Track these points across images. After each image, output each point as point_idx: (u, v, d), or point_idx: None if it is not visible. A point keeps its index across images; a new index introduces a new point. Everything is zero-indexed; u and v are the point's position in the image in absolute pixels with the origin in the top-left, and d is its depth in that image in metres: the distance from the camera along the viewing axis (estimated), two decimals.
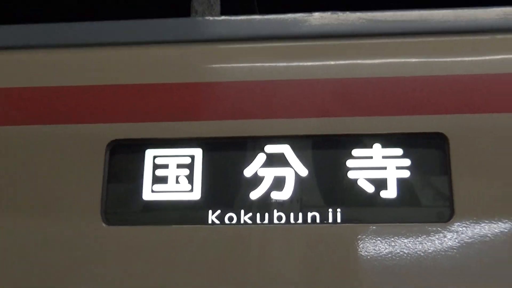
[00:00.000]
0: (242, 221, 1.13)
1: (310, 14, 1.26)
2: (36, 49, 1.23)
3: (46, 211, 1.15)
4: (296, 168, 1.16)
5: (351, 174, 1.14)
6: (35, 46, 1.23)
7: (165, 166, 1.17)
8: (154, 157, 1.17)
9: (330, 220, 1.12)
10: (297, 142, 1.17)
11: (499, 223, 1.09)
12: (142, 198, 1.16)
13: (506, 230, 1.09)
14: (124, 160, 1.21)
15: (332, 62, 1.24)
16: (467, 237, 1.08)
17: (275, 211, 1.14)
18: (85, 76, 1.20)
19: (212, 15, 1.38)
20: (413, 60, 1.22)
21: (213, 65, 1.31)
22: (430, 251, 1.08)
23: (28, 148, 1.16)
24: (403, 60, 1.23)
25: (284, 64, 1.25)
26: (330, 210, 1.13)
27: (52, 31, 1.25)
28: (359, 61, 1.22)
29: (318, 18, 1.26)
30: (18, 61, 1.25)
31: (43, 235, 1.13)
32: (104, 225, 1.12)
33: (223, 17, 1.38)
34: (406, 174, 1.14)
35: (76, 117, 1.17)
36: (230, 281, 1.12)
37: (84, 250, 1.13)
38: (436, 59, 1.22)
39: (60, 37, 1.24)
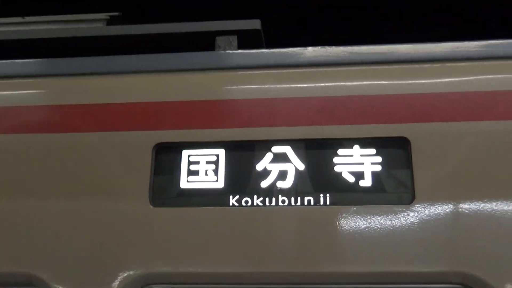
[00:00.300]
0: (255, 204, 1.48)
1: (305, 48, 1.65)
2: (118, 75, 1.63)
3: (109, 196, 1.52)
4: (296, 163, 1.51)
5: (337, 168, 1.50)
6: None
7: (197, 163, 1.53)
8: (189, 155, 1.54)
9: (321, 203, 1.46)
10: (296, 144, 1.53)
11: (449, 205, 1.43)
12: (179, 186, 1.52)
13: (454, 211, 1.43)
14: (166, 158, 1.57)
15: (321, 84, 1.61)
16: (424, 216, 1.42)
17: (279, 196, 1.48)
18: (141, 95, 1.59)
19: (231, 49, 1.77)
20: (384, 82, 1.59)
21: (232, 87, 1.69)
22: (397, 226, 1.42)
23: (99, 149, 1.54)
24: (375, 82, 1.60)
25: (285, 86, 1.62)
26: (321, 195, 1.47)
27: (113, 62, 1.65)
28: (342, 83, 1.60)
29: (311, 51, 1.65)
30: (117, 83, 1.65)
31: (107, 215, 1.50)
32: (151, 207, 1.49)
33: (239, 51, 1.77)
34: (378, 168, 1.49)
35: (133, 125, 1.55)
36: (244, 250, 1.46)
37: (136, 225, 1.49)
38: (400, 82, 1.59)
39: (129, 66, 1.63)
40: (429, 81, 1.57)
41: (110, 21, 1.82)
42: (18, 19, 1.82)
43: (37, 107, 1.64)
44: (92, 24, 1.81)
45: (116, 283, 1.42)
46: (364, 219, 1.43)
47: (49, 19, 1.81)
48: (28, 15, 1.82)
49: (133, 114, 1.57)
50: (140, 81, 1.64)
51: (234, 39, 1.77)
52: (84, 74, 1.63)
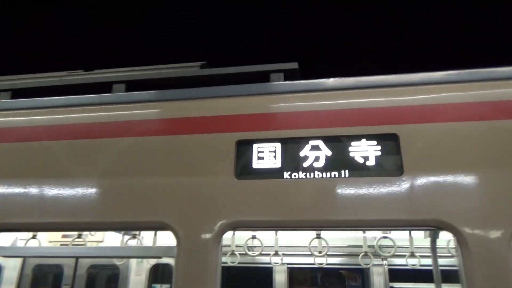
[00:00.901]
0: (300, 177, 2.34)
1: (328, 79, 2.56)
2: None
3: (208, 174, 2.40)
4: (325, 151, 2.38)
5: (351, 154, 2.36)
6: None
7: (263, 152, 2.43)
8: (258, 147, 2.44)
9: (342, 175, 2.32)
10: (325, 138, 2.40)
11: (427, 176, 2.24)
12: (252, 166, 2.41)
13: (431, 179, 2.23)
14: (243, 149, 2.46)
15: (339, 101, 2.50)
16: (412, 185, 2.23)
17: (316, 171, 2.34)
18: (228, 111, 2.52)
19: (280, 81, 2.71)
20: (381, 99, 2.47)
21: (282, 104, 2.58)
22: (393, 190, 2.24)
23: (205, 144, 2.46)
24: (374, 99, 2.47)
25: (315, 102, 2.51)
26: (342, 171, 2.33)
27: (211, 91, 2.63)
28: (352, 100, 2.48)
29: (332, 81, 2.55)
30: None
31: (216, 186, 2.37)
32: (235, 179, 2.37)
33: (286, 82, 2.69)
34: (379, 153, 2.34)
35: (224, 129, 2.47)
36: (294, 205, 2.28)
37: (227, 191, 2.36)
38: (389, 99, 2.46)
39: (219, 92, 2.61)
40: (407, 98, 2.43)
41: (202, 66, 2.84)
42: (147, 67, 2.86)
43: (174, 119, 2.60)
44: (190, 68, 2.83)
45: (216, 226, 2.27)
46: (370, 185, 2.25)
47: (163, 66, 2.84)
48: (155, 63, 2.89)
49: (223, 122, 2.50)
50: (227, 102, 2.59)
51: (281, 75, 2.72)
52: (193, 98, 2.62)
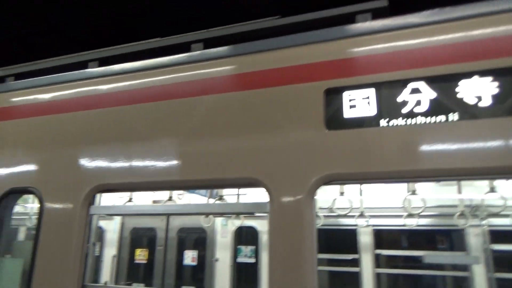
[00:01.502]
0: (399, 124, 2.10)
1: (423, 12, 2.21)
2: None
3: (298, 125, 2.27)
4: (428, 94, 2.09)
5: (460, 94, 2.05)
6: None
7: (354, 99, 2.22)
8: (349, 95, 2.24)
9: (450, 119, 2.03)
10: (427, 80, 2.10)
11: None
12: (344, 116, 2.23)
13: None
14: (333, 98, 2.28)
15: (441, 37, 2.16)
16: None
17: (418, 117, 2.06)
18: (315, 58, 2.34)
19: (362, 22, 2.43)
20: (488, 30, 2.09)
21: (375, 45, 2.30)
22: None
23: (293, 95, 2.32)
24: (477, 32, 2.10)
25: (412, 41, 2.17)
26: (450, 114, 2.03)
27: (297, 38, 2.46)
28: (454, 35, 2.14)
29: (427, 14, 2.20)
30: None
31: (298, 138, 2.25)
32: (326, 130, 2.22)
33: (376, 21, 2.40)
34: (496, 91, 2.00)
35: (311, 78, 2.31)
36: (392, 154, 2.07)
37: (316, 146, 2.22)
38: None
39: (310, 39, 2.43)
40: None
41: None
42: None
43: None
44: (268, 21, 2.67)
45: (309, 181, 2.15)
46: (485, 129, 1.95)
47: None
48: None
49: (309, 71, 2.33)
50: (311, 49, 2.40)
51: (368, 15, 2.42)
52: (274, 49, 2.48)
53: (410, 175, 2.08)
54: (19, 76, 3.47)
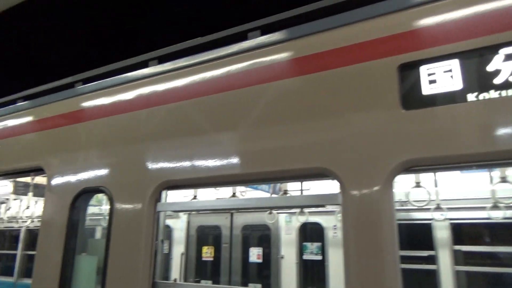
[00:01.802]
0: (492, 97, 1.79)
1: None
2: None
3: (369, 106, 2.06)
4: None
5: None
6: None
7: (434, 74, 1.95)
8: (427, 69, 1.97)
9: None
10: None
11: None
12: (422, 93, 1.96)
13: None
14: (409, 74, 2.02)
15: None
16: None
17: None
18: (385, 32, 2.11)
19: None
20: None
21: (454, 10, 2.00)
22: None
23: (361, 75, 2.12)
24: None
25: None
26: None
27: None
28: None
29: None
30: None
31: (367, 125, 2.03)
32: (403, 111, 1.97)
33: None
34: None
35: (380, 54, 2.08)
36: (476, 133, 1.77)
37: (392, 128, 1.97)
38: None
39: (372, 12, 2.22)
40: None
41: None
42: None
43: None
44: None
45: (386, 168, 1.93)
46: None
47: None
48: None
49: (379, 47, 2.10)
50: (378, 22, 2.17)
51: None
52: (336, 27, 2.29)
53: (508, 156, 1.78)
54: (86, 81, 3.61)
